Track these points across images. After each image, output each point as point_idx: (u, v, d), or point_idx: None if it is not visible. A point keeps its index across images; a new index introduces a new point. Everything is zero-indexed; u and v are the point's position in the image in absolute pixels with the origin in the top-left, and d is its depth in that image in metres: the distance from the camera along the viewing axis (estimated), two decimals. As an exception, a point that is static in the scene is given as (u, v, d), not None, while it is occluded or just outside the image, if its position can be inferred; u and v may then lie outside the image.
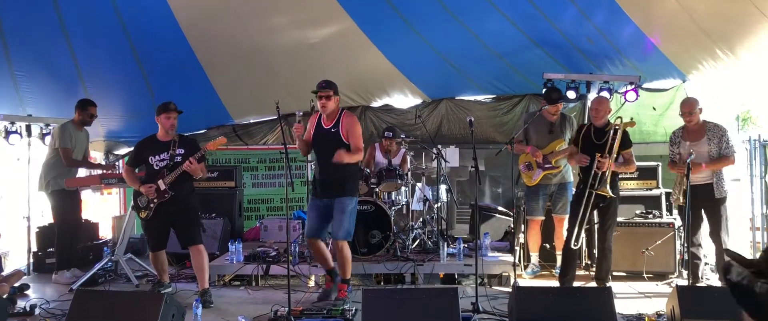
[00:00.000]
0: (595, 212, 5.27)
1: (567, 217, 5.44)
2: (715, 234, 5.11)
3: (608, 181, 4.91)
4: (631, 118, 5.32)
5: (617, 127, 4.92)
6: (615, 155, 4.91)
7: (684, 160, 5.00)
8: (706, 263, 5.73)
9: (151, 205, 5.09)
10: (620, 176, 6.15)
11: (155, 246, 5.24)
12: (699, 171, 5.01)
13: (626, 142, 5.03)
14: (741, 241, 6.35)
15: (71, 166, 6.05)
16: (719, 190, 5.08)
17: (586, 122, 5.22)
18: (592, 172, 4.92)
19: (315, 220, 5.06)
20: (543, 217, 5.80)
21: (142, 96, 7.44)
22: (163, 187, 5.03)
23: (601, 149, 4.94)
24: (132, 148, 8.44)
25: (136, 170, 5.37)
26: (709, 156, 5.08)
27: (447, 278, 5.85)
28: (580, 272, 5.78)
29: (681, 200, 5.15)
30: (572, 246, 5.10)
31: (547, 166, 5.69)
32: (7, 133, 6.59)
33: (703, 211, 5.17)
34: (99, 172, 6.26)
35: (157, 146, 5.13)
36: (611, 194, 4.96)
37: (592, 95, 6.90)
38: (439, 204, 6.61)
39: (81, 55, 6.63)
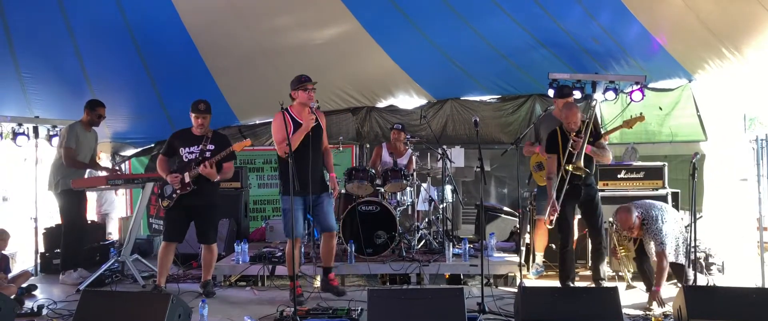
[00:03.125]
0: (579, 213, 5.26)
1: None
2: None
3: (582, 159, 4.91)
4: (640, 113, 5.31)
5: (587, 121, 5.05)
6: (587, 137, 4.96)
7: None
8: (712, 263, 5.70)
9: (174, 195, 5.17)
10: (624, 176, 6.15)
11: (169, 236, 5.28)
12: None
13: (597, 133, 5.13)
14: (748, 242, 6.31)
15: (72, 166, 6.02)
16: None
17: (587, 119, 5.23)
18: (567, 151, 4.98)
19: (303, 219, 5.11)
20: None
21: (148, 97, 7.48)
22: (187, 179, 5.10)
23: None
24: (138, 150, 8.60)
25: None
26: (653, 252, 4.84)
27: (452, 279, 5.85)
28: (585, 273, 5.77)
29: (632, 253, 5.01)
30: (548, 225, 5.14)
31: None
32: (15, 134, 6.65)
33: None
34: (104, 173, 6.28)
35: (190, 139, 5.23)
36: (586, 169, 4.95)
37: (597, 95, 6.90)
38: (445, 204, 6.61)
39: (87, 57, 6.67)
